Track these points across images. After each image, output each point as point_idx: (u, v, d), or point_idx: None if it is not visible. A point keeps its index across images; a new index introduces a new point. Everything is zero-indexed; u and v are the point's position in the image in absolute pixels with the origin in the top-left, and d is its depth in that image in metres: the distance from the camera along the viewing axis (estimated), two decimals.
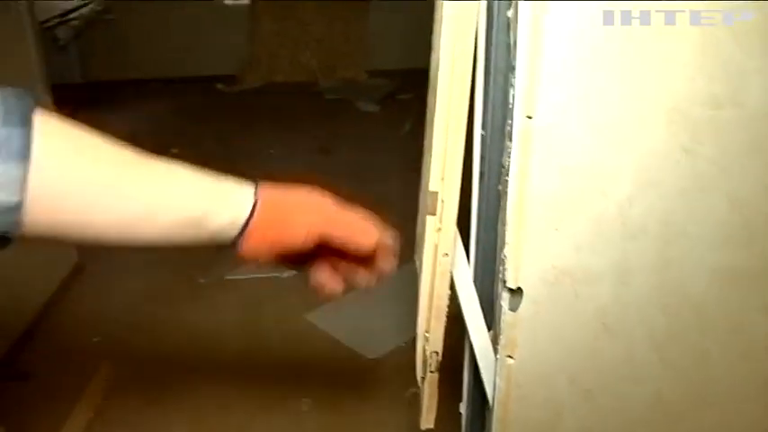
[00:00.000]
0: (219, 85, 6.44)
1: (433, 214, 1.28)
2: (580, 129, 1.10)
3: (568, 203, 1.14)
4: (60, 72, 6.12)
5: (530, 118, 1.09)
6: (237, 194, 0.79)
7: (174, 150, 5.05)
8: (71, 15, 6.08)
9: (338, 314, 3.14)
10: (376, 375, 2.73)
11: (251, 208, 0.78)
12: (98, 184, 0.70)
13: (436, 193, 1.25)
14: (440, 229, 1.28)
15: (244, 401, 2.64)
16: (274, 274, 3.44)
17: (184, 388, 2.71)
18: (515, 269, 1.18)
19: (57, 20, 5.94)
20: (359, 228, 0.83)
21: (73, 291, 3.38)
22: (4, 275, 2.86)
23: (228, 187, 0.80)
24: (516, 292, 1.20)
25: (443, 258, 1.29)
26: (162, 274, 3.49)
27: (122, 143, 0.76)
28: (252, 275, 3.45)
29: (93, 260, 3.60)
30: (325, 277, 0.88)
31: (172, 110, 6.05)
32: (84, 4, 6.17)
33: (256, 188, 0.80)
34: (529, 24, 1.05)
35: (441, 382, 1.53)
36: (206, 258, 3.61)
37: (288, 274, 3.46)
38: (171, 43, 6.49)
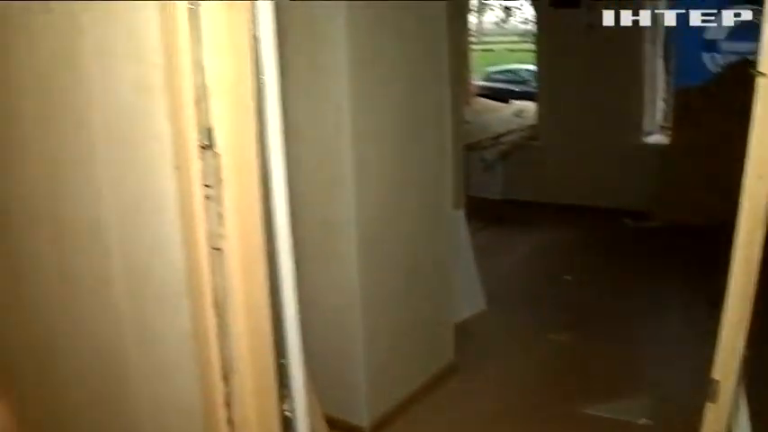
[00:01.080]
0: (626, 220, 6.50)
1: (713, 402, 1.27)
2: None
3: None
4: (484, 187, 6.82)
5: None
6: None
7: (567, 277, 5.29)
8: (501, 139, 6.75)
9: None
10: None
11: None
12: None
13: (718, 381, 1.25)
14: (715, 420, 1.27)
15: None
16: (628, 419, 3.41)
17: None
18: None
19: (489, 142, 6.64)
20: None
21: (441, 389, 3.70)
22: (379, 361, 3.30)
23: None
24: None
25: None
26: (525, 393, 3.66)
27: None
28: (610, 415, 3.46)
29: (469, 363, 3.91)
30: None
31: (576, 236, 6.30)
32: (515, 131, 6.81)
33: None
34: None
35: None
36: (569, 386, 3.71)
37: (644, 421, 3.40)
38: (587, 173, 6.78)
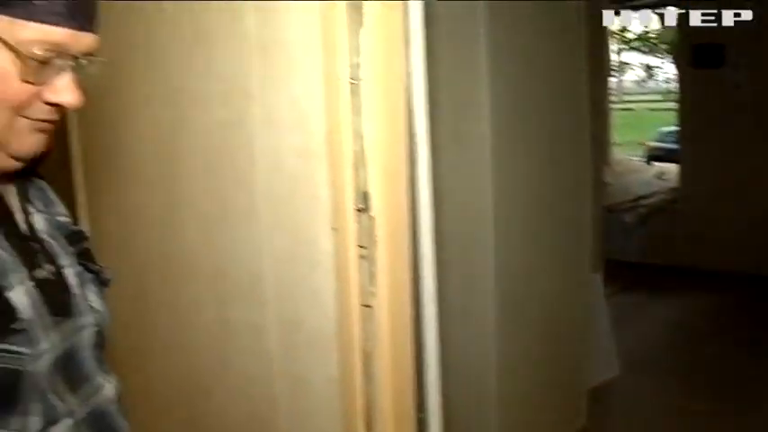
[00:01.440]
0: None
1: None
2: None
3: None
4: (623, 250, 6.67)
5: None
6: None
7: (708, 347, 5.06)
8: (642, 201, 6.63)
9: None
10: None
11: None
12: None
13: None
14: None
15: None
16: None
17: None
18: None
19: (628, 204, 6.54)
20: None
21: None
22: (510, 422, 3.29)
23: None
24: None
25: None
26: None
27: None
28: None
29: (602, 430, 3.84)
30: None
31: (717, 302, 6.02)
32: (656, 193, 6.68)
33: None
34: None
35: None
36: None
37: None
38: (730, 238, 6.48)
